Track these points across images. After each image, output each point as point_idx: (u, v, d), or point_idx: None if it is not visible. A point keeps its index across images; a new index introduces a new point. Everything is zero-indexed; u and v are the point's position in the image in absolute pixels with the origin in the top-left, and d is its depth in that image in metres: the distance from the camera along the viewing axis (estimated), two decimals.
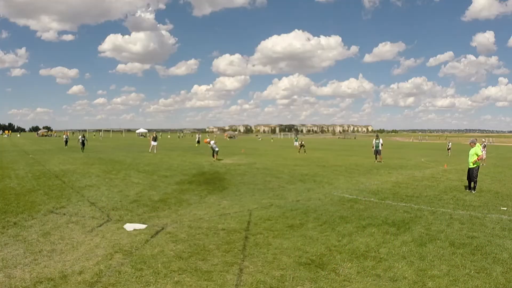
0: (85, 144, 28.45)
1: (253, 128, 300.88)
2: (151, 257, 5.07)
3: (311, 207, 8.47)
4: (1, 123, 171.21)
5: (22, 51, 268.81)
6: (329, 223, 7.05)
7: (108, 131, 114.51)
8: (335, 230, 6.53)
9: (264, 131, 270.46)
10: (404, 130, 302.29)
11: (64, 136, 37.19)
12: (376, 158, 21.41)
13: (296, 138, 43.85)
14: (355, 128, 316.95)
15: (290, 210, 8.17)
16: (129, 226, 6.54)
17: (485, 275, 4.61)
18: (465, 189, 11.49)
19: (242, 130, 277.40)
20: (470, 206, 8.87)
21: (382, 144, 21.24)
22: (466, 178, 11.92)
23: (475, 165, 11.12)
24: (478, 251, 5.51)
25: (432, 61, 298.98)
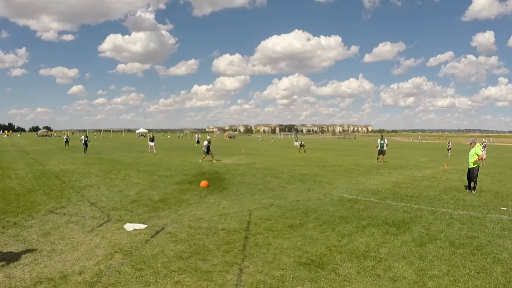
0: (88, 145, 27.46)
1: (253, 128, 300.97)
2: (151, 257, 5.07)
3: (311, 207, 8.47)
4: (1, 123, 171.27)
5: (22, 51, 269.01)
6: (329, 223, 7.05)
7: (108, 131, 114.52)
8: (335, 230, 6.53)
9: (264, 131, 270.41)
10: (404, 130, 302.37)
11: (65, 136, 37.13)
12: (377, 158, 21.41)
13: (296, 138, 43.88)
14: (355, 128, 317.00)
15: (290, 210, 8.17)
16: (129, 226, 6.54)
17: (485, 275, 4.61)
18: (465, 189, 11.49)
19: (242, 130, 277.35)
20: (470, 206, 8.87)
21: (387, 145, 21.28)
22: (466, 178, 11.92)
23: (475, 165, 11.12)
24: (478, 251, 5.51)
25: (432, 61, 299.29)
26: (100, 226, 6.64)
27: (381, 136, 21.64)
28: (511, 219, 7.61)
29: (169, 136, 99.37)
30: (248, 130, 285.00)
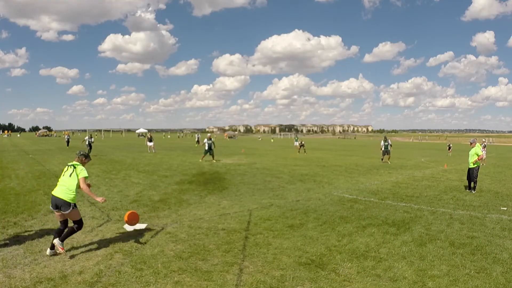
0: (92, 146, 26.46)
1: (253, 128, 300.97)
2: (151, 257, 5.07)
3: (311, 207, 8.47)
4: (1, 123, 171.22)
5: (22, 51, 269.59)
6: (329, 223, 7.05)
7: (108, 131, 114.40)
8: (335, 230, 6.53)
9: (264, 131, 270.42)
10: (404, 130, 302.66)
11: (66, 136, 37.07)
12: (382, 159, 21.40)
13: (296, 138, 43.84)
14: (355, 128, 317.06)
15: (290, 210, 8.17)
16: (129, 226, 6.54)
17: (485, 275, 4.61)
18: (465, 189, 11.49)
19: (242, 130, 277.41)
20: (470, 206, 8.87)
21: (391, 145, 21.35)
22: (466, 178, 11.92)
23: (475, 165, 11.12)
24: (478, 251, 5.51)
25: (432, 61, 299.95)
26: (100, 226, 6.64)
27: (385, 137, 21.55)
28: (511, 219, 7.61)
29: (169, 136, 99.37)
30: (248, 130, 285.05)
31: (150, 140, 28.12)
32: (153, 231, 6.35)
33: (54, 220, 6.93)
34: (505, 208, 8.69)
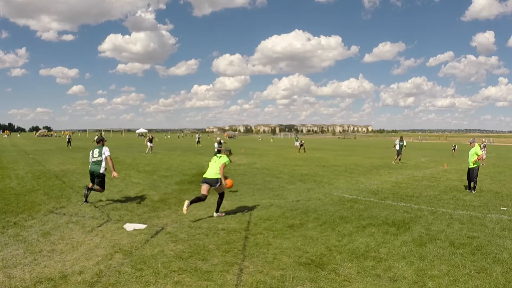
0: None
1: (253, 128, 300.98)
2: (151, 257, 5.07)
3: (311, 207, 8.47)
4: (1, 123, 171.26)
5: (22, 51, 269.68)
6: (329, 223, 7.05)
7: (108, 131, 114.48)
8: (335, 230, 6.53)
9: (264, 131, 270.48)
10: (404, 130, 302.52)
11: (67, 136, 37.06)
12: (398, 159, 21.05)
13: (296, 138, 43.85)
14: (355, 128, 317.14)
15: (290, 210, 8.17)
16: (129, 226, 6.54)
17: (485, 275, 4.61)
18: (465, 189, 11.49)
19: (242, 130, 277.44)
20: (470, 206, 8.87)
21: (405, 146, 21.34)
22: (466, 178, 11.92)
23: (475, 165, 11.13)
24: (478, 251, 5.51)
25: (432, 61, 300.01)
26: (100, 226, 6.64)
27: (401, 137, 21.32)
28: (511, 219, 7.61)
29: (169, 136, 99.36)
30: (248, 130, 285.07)
31: (151, 141, 28.16)
32: (153, 231, 6.35)
33: (54, 220, 6.93)
34: (505, 208, 8.69)
